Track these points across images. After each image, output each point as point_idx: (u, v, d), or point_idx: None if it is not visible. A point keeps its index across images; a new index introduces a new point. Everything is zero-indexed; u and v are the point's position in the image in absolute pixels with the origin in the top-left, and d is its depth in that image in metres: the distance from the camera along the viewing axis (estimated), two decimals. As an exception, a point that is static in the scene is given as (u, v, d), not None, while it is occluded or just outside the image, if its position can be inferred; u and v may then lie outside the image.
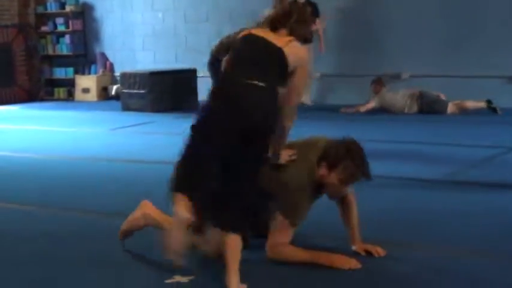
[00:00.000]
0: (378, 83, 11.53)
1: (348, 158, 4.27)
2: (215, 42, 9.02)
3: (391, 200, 5.05)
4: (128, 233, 4.71)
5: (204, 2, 13.62)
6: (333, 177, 4.31)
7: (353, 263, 4.35)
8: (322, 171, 4.32)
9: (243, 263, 4.05)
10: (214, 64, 8.63)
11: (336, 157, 4.28)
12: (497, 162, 7.68)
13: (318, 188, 4.43)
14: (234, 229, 4.04)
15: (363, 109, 11.43)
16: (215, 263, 4.43)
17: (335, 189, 4.42)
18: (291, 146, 4.49)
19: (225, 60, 7.52)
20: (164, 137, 10.01)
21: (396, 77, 12.12)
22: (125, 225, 4.71)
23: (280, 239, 4.39)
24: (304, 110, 11.86)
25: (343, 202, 4.66)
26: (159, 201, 5.13)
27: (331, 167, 4.29)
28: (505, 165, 7.51)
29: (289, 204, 4.38)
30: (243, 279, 4.00)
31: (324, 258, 4.39)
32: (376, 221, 5.09)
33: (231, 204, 4.15)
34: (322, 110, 11.95)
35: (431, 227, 5.30)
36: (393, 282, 4.25)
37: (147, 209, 4.70)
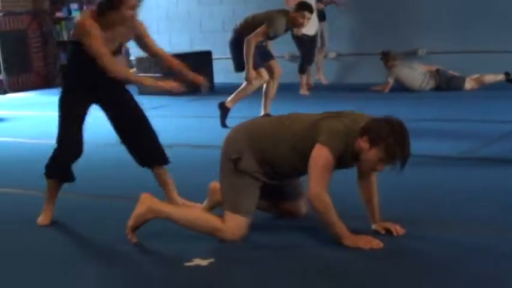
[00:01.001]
0: (388, 57, 11.40)
1: (392, 138, 4.19)
2: (230, 23, 8.99)
3: (412, 178, 4.96)
4: (135, 228, 4.65)
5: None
6: (373, 154, 4.23)
7: (375, 243, 4.33)
8: (363, 144, 4.24)
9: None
10: (237, 42, 8.71)
11: (380, 134, 4.19)
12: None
13: (352, 157, 4.35)
14: None
15: (386, 90, 11.31)
16: (232, 247, 4.45)
17: (370, 165, 4.34)
18: (337, 114, 4.50)
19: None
20: (179, 120, 10.07)
21: (413, 53, 12.02)
22: (131, 221, 4.64)
23: (320, 186, 4.32)
24: (320, 89, 11.87)
25: (364, 181, 4.62)
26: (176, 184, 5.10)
27: (373, 143, 4.20)
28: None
29: (325, 130, 4.35)
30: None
31: (347, 238, 4.35)
32: (394, 199, 5.04)
33: None
34: (339, 90, 11.88)
35: (450, 205, 5.27)
36: (413, 261, 4.22)
37: (151, 203, 4.65)
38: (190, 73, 5.70)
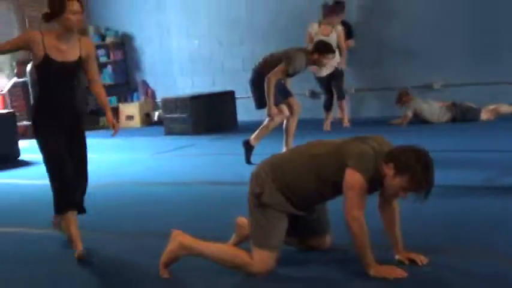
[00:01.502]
0: (404, 94, 11.40)
1: (419, 168, 4.17)
2: (250, 63, 9.02)
3: (432, 207, 4.95)
4: (168, 265, 4.66)
5: (238, 27, 13.63)
6: (397, 181, 4.23)
7: (399, 273, 4.30)
8: (388, 171, 4.23)
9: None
10: (257, 80, 8.77)
11: (406, 163, 4.18)
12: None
13: (376, 181, 4.33)
14: None
15: (405, 122, 11.28)
16: (260, 282, 4.44)
17: (394, 191, 4.33)
18: (362, 138, 4.51)
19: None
20: (204, 158, 10.03)
21: (429, 87, 11.97)
22: (164, 258, 4.67)
23: (358, 209, 4.30)
24: (340, 124, 11.85)
25: (386, 208, 4.61)
26: (203, 221, 5.11)
27: (398, 171, 4.20)
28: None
29: (353, 154, 4.34)
30: None
31: (373, 268, 4.33)
32: (415, 228, 5.03)
33: None
34: (358, 124, 11.85)
35: (472, 233, 5.22)
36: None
37: (182, 240, 4.66)
38: (110, 115, 5.96)
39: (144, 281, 4.70)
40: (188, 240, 4.66)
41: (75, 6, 5.31)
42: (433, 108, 11.21)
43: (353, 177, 4.30)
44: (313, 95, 12.78)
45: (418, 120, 11.20)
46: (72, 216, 5.51)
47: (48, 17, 5.40)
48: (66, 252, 5.51)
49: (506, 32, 11.44)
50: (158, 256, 4.71)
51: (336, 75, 11.55)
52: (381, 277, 4.27)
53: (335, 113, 11.98)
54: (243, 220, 4.97)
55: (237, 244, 4.92)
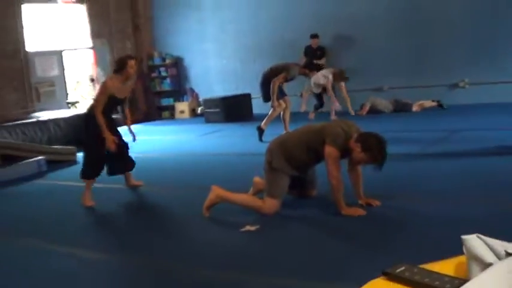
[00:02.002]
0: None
1: (377, 150, 4.24)
2: (260, 75, 9.05)
3: (384, 168, 4.97)
4: (209, 208, 4.71)
5: (252, 50, 13.58)
6: (362, 156, 4.29)
7: (360, 212, 4.37)
8: (356, 148, 4.29)
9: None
10: (265, 83, 8.79)
11: (369, 145, 4.25)
12: (447, 140, 7.53)
13: (345, 151, 4.39)
14: None
15: (364, 112, 11.16)
16: (270, 219, 4.45)
17: (358, 161, 4.41)
18: (336, 122, 4.65)
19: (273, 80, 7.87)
20: (232, 138, 9.99)
21: (380, 89, 11.89)
22: (206, 203, 4.72)
23: (336, 171, 4.36)
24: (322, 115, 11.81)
25: (353, 170, 4.64)
26: (231, 179, 5.14)
27: (363, 150, 4.26)
28: (452, 141, 7.39)
29: (330, 134, 4.39)
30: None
31: (344, 209, 4.39)
32: (374, 183, 4.95)
33: None
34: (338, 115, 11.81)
35: (411, 185, 5.27)
36: (387, 223, 4.22)
37: (218, 191, 4.69)
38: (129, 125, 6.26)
39: (194, 216, 4.75)
40: (222, 191, 4.71)
41: (132, 63, 5.63)
42: (383, 102, 11.18)
43: (330, 150, 4.36)
44: (302, 95, 12.73)
45: (372, 110, 11.14)
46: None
47: (117, 71, 5.68)
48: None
49: (433, 50, 11.37)
50: (203, 202, 4.76)
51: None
52: (349, 215, 4.33)
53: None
54: (257, 179, 5.01)
55: (254, 194, 4.96)
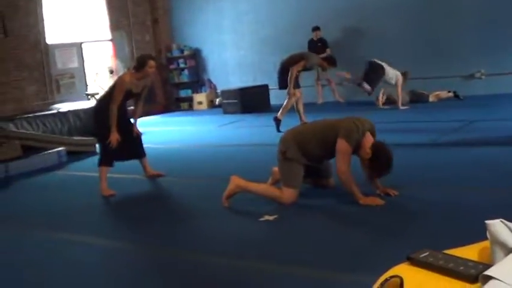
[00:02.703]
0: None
1: (385, 165, 4.35)
2: (277, 66, 9.04)
3: (400, 158, 4.92)
4: (228, 198, 4.72)
5: (269, 42, 13.56)
6: (368, 162, 4.41)
7: (378, 201, 4.35)
8: (368, 150, 4.36)
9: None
10: (283, 71, 8.77)
11: (380, 158, 4.34)
12: (463, 131, 7.46)
13: (357, 148, 4.44)
14: None
15: (380, 103, 11.02)
16: (288, 208, 4.44)
17: (363, 161, 4.49)
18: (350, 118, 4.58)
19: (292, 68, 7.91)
20: (250, 129, 9.99)
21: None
22: (226, 193, 4.73)
23: (345, 166, 4.38)
24: (337, 105, 11.76)
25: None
26: (249, 170, 5.13)
27: (373, 159, 4.36)
28: (468, 131, 7.34)
29: (344, 129, 4.40)
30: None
31: (361, 199, 4.38)
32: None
33: None
34: (350, 104, 11.77)
35: (426, 174, 5.23)
36: (405, 212, 4.19)
37: (238, 182, 4.71)
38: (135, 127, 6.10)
39: (213, 207, 4.75)
40: (242, 181, 4.72)
41: (152, 63, 5.75)
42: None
43: (342, 145, 4.38)
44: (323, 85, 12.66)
45: (388, 101, 11.04)
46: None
47: (137, 68, 5.77)
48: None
49: (449, 40, 11.27)
50: (221, 192, 4.77)
51: None
52: (366, 204, 4.32)
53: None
54: (276, 169, 5.00)
55: (273, 184, 4.96)
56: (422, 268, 1.19)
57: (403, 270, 1.20)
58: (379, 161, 4.32)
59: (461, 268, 1.16)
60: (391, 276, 1.14)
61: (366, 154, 4.36)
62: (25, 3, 12.01)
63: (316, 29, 12.16)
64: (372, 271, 1.57)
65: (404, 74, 10.52)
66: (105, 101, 5.74)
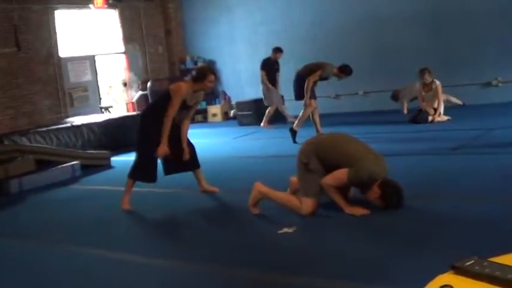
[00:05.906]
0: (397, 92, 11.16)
1: (394, 202, 4.39)
2: (292, 77, 9.02)
3: (418, 165, 4.85)
4: (254, 205, 4.80)
5: (284, 53, 13.48)
6: (377, 200, 4.43)
7: (364, 211, 4.44)
8: (376, 189, 4.40)
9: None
10: (299, 81, 8.81)
11: (389, 197, 4.39)
12: (483, 138, 7.44)
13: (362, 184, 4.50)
14: None
15: (405, 110, 10.90)
16: (307, 219, 4.46)
17: (372, 200, 4.48)
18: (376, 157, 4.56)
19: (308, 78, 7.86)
20: (265, 140, 9.97)
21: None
22: (250, 201, 4.82)
23: (332, 184, 4.45)
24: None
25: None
26: (267, 181, 5.09)
27: (382, 198, 4.40)
28: (488, 140, 7.30)
29: (357, 167, 4.37)
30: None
31: (346, 207, 4.50)
32: (410, 179, 4.91)
33: None
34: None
35: (446, 183, 5.17)
36: (426, 221, 4.12)
37: (260, 188, 4.78)
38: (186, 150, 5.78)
39: (231, 218, 4.77)
40: (265, 188, 4.80)
41: (212, 78, 5.50)
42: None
43: (344, 173, 4.40)
44: (336, 96, 12.62)
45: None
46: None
47: (195, 79, 5.53)
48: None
49: (464, 48, 11.17)
50: (239, 204, 4.74)
51: None
52: (351, 214, 4.42)
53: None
54: (294, 179, 4.99)
55: (292, 194, 4.92)
56: (468, 277, 1.14)
57: (447, 279, 1.14)
58: (390, 199, 4.37)
59: (510, 276, 1.11)
60: (442, 287, 1.09)
61: (373, 194, 4.42)
62: (38, 16, 12.11)
63: (278, 50, 12.05)
64: (395, 283, 1.51)
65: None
66: (155, 109, 5.44)
